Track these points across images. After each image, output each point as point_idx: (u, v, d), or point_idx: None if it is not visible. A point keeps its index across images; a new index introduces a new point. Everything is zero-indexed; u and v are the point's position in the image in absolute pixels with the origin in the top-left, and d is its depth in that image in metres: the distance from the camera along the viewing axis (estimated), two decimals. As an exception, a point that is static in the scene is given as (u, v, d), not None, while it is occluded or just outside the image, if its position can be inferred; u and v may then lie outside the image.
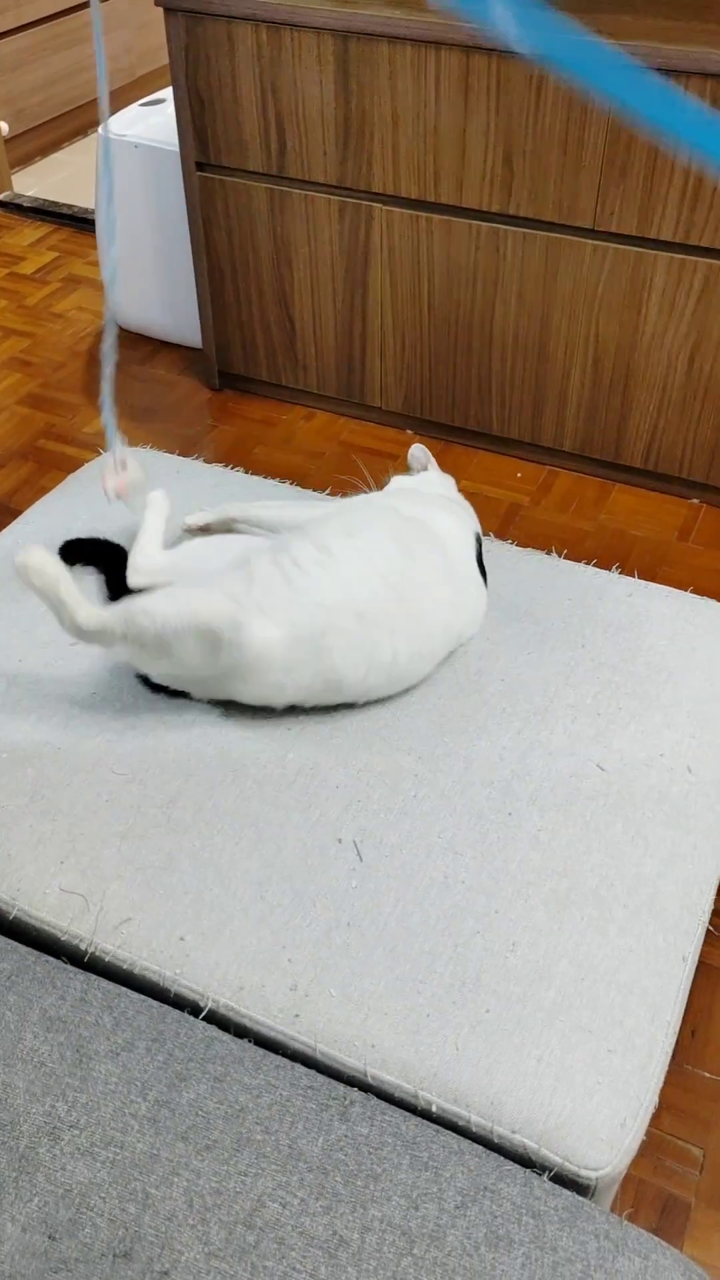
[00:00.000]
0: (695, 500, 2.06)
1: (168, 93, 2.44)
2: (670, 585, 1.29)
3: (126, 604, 1.01)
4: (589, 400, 1.99)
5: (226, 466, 1.47)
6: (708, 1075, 1.26)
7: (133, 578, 1.13)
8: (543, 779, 1.03)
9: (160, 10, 1.89)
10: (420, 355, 2.09)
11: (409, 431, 2.24)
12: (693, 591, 1.28)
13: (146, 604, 1.00)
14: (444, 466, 2.16)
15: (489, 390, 2.07)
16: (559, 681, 1.12)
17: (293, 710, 1.09)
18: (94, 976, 0.89)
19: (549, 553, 1.33)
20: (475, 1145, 0.80)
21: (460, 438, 2.20)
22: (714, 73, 1.57)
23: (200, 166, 2.05)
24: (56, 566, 1.01)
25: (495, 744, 1.06)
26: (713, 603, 1.25)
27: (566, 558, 1.33)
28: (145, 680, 1.10)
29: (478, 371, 2.06)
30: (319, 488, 2.00)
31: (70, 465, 2.17)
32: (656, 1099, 0.85)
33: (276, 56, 1.84)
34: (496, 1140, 0.82)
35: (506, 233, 1.86)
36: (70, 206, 3.08)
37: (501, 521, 2.02)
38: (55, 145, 3.42)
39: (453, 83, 1.75)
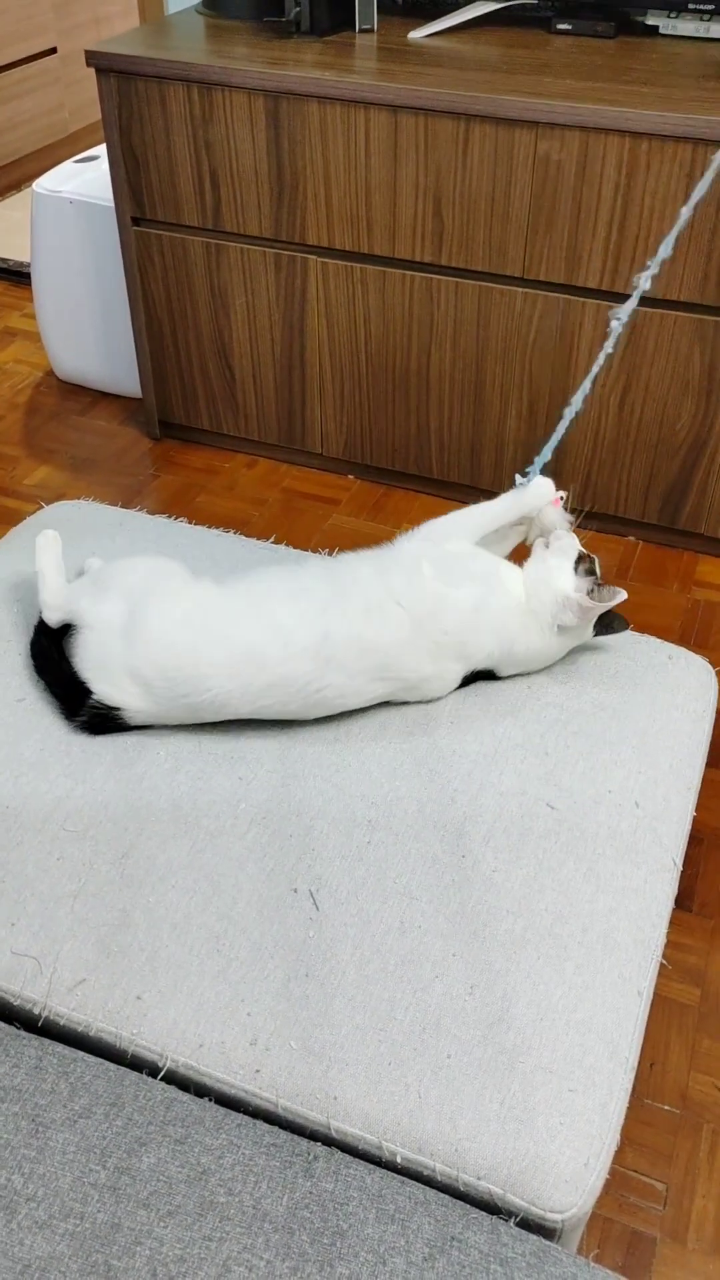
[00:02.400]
0: (631, 538, 2.11)
1: (101, 149, 2.47)
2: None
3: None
4: (525, 443, 2.04)
5: (170, 517, 1.47)
6: (666, 1108, 1.27)
7: (48, 614, 1.16)
8: (495, 820, 1.04)
9: (89, 68, 1.92)
10: (360, 402, 2.12)
11: (350, 476, 2.26)
12: (633, 628, 1.31)
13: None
14: (386, 511, 2.20)
15: (428, 435, 2.11)
16: (507, 722, 1.14)
17: (244, 759, 1.08)
18: (49, 1041, 0.87)
19: (492, 594, 1.34)
20: (441, 1195, 0.80)
21: (401, 482, 2.23)
22: (630, 130, 1.64)
23: (136, 221, 2.07)
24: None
25: (446, 786, 1.07)
26: (653, 639, 1.28)
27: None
28: (88, 725, 1.10)
29: (416, 417, 2.09)
30: (262, 535, 2.01)
31: (12, 518, 2.16)
32: (619, 1136, 0.85)
33: (209, 115, 1.88)
34: (462, 1188, 0.82)
35: (439, 282, 1.91)
36: (5, 260, 3.08)
37: (444, 563, 2.05)
38: (-11, 200, 3.43)
39: (382, 140, 1.80)
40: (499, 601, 1.13)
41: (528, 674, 1.20)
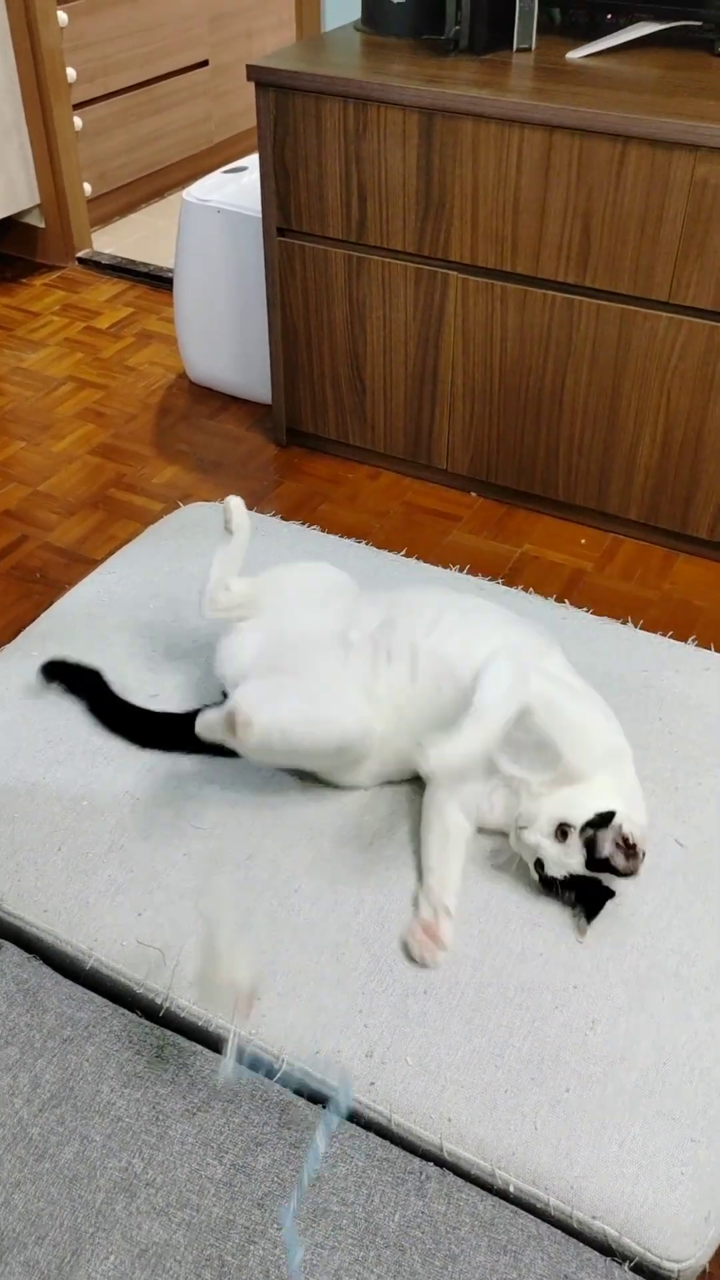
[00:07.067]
0: (761, 572, 2.05)
1: (249, 160, 2.52)
2: (741, 658, 1.29)
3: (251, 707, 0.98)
4: (657, 470, 2.00)
5: (302, 524, 1.49)
6: (775, 1166, 1.22)
7: (208, 610, 1.11)
8: (621, 852, 1.02)
9: (238, 80, 1.97)
10: (488, 420, 2.11)
11: (473, 494, 2.26)
12: (769, 667, 1.27)
13: (277, 715, 0.98)
14: (507, 530, 2.18)
15: (556, 456, 2.09)
16: (636, 754, 1.11)
17: (370, 771, 1.09)
18: (170, 1033, 0.89)
19: (624, 622, 1.33)
20: (554, 1230, 0.79)
21: (524, 502, 2.21)
22: None
23: (281, 232, 2.11)
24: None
25: (573, 814, 1.05)
26: (791, 679, 1.24)
27: (635, 626, 1.33)
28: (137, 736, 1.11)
29: (546, 437, 2.08)
30: (385, 546, 2.01)
31: (140, 515, 2.22)
32: (740, 1192, 0.83)
33: (362, 131, 1.90)
34: (576, 1226, 0.80)
35: (581, 303, 1.89)
36: (146, 265, 3.17)
37: (564, 587, 2.03)
38: (133, 206, 3.54)
39: (534, 158, 1.79)
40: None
41: (661, 707, 1.17)
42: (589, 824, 0.92)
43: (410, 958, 0.91)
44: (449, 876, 0.96)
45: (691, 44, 1.98)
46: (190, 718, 1.08)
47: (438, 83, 1.82)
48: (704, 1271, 0.84)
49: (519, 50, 1.96)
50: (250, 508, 2.25)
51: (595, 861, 0.92)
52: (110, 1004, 0.91)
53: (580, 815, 0.92)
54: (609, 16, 2.02)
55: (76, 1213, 0.76)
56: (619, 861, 0.92)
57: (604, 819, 0.92)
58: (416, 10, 2.02)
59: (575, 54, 1.94)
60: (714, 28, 1.95)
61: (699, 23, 1.96)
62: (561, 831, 0.92)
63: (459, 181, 1.87)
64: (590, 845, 0.92)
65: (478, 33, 1.93)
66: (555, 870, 0.93)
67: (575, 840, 0.92)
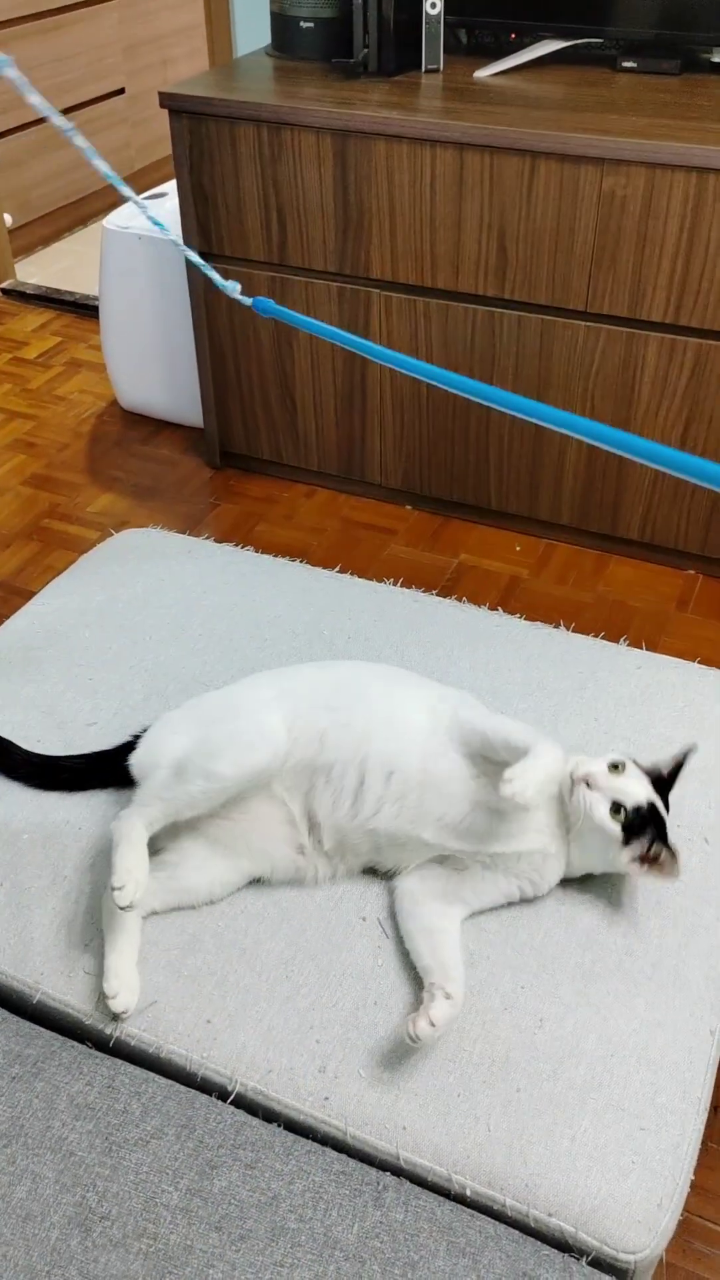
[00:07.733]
0: (691, 571, 2.09)
1: (168, 186, 2.53)
2: (672, 655, 1.32)
3: None
4: (585, 474, 2.04)
5: (236, 545, 1.50)
6: (733, 1152, 1.24)
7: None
8: (562, 852, 1.03)
9: (155, 108, 1.98)
10: (419, 433, 2.14)
11: (408, 507, 2.28)
12: (699, 662, 1.30)
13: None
14: (443, 541, 2.21)
15: (487, 466, 2.12)
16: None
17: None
18: (120, 1062, 0.88)
19: (557, 626, 1.35)
20: (511, 1230, 0.79)
21: (459, 512, 2.24)
22: (697, 166, 1.65)
23: (204, 256, 2.12)
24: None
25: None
26: (717, 673, 1.27)
27: (568, 629, 1.35)
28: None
29: (475, 448, 2.11)
30: (323, 563, 2.03)
31: (76, 544, 2.20)
32: (691, 1178, 0.84)
33: (277, 154, 1.92)
34: (533, 1224, 0.81)
35: (502, 316, 1.93)
36: (71, 293, 3.17)
37: (502, 594, 2.05)
38: (57, 235, 3.53)
39: (448, 177, 1.82)
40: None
41: (595, 707, 1.20)
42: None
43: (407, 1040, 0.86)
44: (448, 965, 0.91)
45: (594, 60, 2.04)
46: (107, 756, 1.09)
47: (349, 105, 1.85)
48: (661, 1260, 0.85)
49: (428, 71, 2.00)
50: (186, 531, 2.25)
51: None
52: (59, 1037, 0.90)
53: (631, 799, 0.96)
54: (513, 36, 2.07)
55: (31, 1252, 0.75)
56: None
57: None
58: (326, 34, 2.05)
59: (482, 73, 1.99)
60: (615, 44, 2.01)
61: (600, 40, 2.02)
62: (616, 807, 0.96)
63: (375, 201, 1.90)
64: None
65: (386, 55, 1.97)
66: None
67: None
